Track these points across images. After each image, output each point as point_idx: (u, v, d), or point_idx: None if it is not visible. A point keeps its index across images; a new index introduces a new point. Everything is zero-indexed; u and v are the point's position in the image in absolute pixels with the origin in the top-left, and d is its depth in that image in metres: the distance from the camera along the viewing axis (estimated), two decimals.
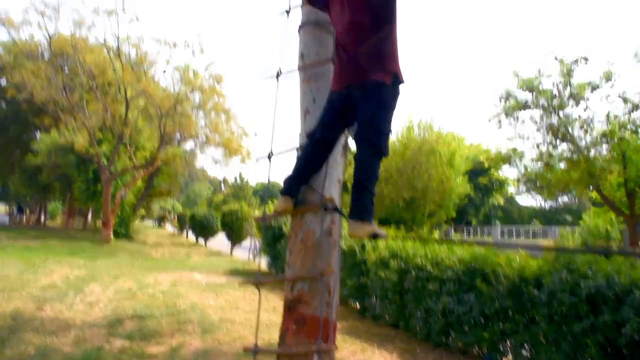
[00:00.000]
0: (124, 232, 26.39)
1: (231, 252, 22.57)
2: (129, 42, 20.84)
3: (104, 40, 20.79)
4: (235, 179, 73.32)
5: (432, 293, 6.73)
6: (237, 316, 7.85)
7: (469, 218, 46.16)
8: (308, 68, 3.75)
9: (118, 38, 20.25)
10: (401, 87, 3.11)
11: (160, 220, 54.86)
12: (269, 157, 3.73)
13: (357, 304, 9.12)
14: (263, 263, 16.07)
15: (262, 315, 8.09)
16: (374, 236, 3.16)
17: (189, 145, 27.52)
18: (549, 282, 5.11)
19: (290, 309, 3.53)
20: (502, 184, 46.30)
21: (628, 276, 4.61)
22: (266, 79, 3.79)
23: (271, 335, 6.75)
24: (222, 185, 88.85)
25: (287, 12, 3.86)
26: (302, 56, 3.86)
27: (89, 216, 37.94)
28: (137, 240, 26.80)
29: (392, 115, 3.09)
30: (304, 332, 3.44)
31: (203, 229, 28.10)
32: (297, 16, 4.03)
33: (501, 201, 50.80)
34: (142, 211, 37.10)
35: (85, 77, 20.84)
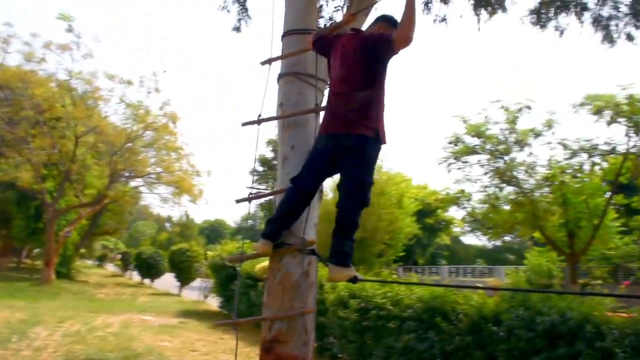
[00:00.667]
0: (65, 272, 25.34)
1: (179, 293, 22.06)
2: (81, 77, 20.53)
3: (55, 75, 20.40)
4: (181, 217, 71.80)
5: (392, 331, 6.85)
6: (196, 358, 7.73)
7: (416, 257, 46.90)
8: (287, 116, 3.91)
9: (70, 73, 20.00)
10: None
11: (101, 260, 52.86)
12: (249, 199, 3.83)
13: (315, 343, 9.11)
14: (214, 303, 15.84)
15: (220, 357, 8.00)
16: (354, 280, 3.31)
17: (137, 183, 26.94)
18: (507, 319, 5.35)
19: (267, 349, 3.60)
20: (448, 224, 47.51)
21: (580, 312, 4.92)
22: (246, 124, 3.90)
23: None
24: (168, 223, 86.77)
25: (269, 61, 4.02)
26: (281, 105, 4.01)
27: (24, 255, 36.23)
28: (78, 280, 25.78)
29: (373, 168, 3.28)
30: None
31: (149, 269, 27.37)
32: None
33: (447, 241, 51.98)
34: (82, 250, 35.80)
35: (33, 111, 20.29)
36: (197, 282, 22.30)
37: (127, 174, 23.80)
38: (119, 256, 42.09)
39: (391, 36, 3.15)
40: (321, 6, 6.36)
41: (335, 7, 6.52)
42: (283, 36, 4.22)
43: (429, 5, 8.67)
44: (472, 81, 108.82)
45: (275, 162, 43.27)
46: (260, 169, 43.48)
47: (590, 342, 4.66)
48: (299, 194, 3.41)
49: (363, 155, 3.20)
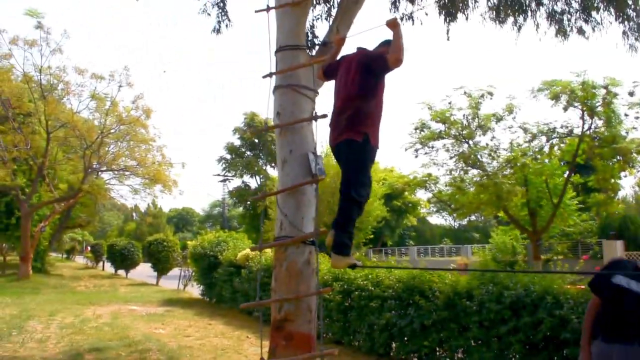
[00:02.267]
0: (39, 266, 25.36)
1: (157, 282, 22.40)
2: (50, 73, 20.49)
3: (23, 71, 20.29)
4: (149, 206, 71.12)
5: (374, 310, 7.52)
6: (192, 343, 8.27)
7: (385, 239, 47.99)
8: (282, 126, 4.47)
9: (39, 68, 19.93)
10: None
11: (69, 252, 52.21)
12: (261, 197, 4.39)
13: None
14: (195, 292, 16.31)
15: (213, 341, 8.55)
16: (353, 267, 3.93)
17: (107, 175, 26.94)
18: (478, 294, 6.06)
19: (278, 327, 4.21)
20: (415, 205, 48.63)
21: (541, 286, 5.66)
22: (255, 132, 4.45)
23: (231, 358, 7.28)
24: (134, 213, 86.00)
25: (270, 75, 4.55)
26: (278, 114, 4.57)
27: None
28: (53, 274, 25.83)
29: (366, 167, 3.77)
30: (292, 346, 4.13)
31: (124, 260, 27.52)
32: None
33: (414, 222, 53.21)
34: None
35: (1, 107, 20.19)
36: (173, 272, 22.69)
37: (100, 167, 23.88)
38: (89, 248, 41.85)
39: (386, 55, 3.71)
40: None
41: (315, 16, 7.05)
42: (277, 52, 4.75)
43: (397, 4, 9.27)
44: (439, 71, 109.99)
45: (242, 149, 43.55)
46: (228, 157, 43.66)
47: (550, 311, 5.38)
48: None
49: (351, 157, 3.71)
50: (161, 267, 22.54)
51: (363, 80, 3.76)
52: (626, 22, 7.94)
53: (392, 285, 7.39)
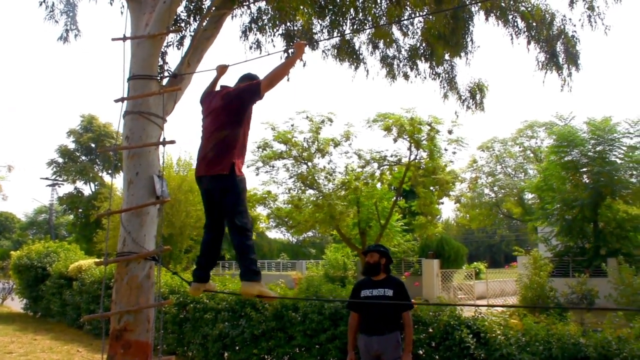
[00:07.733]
0: None
1: None
2: None
3: None
4: None
5: (208, 321, 7.93)
6: (15, 359, 7.96)
7: (223, 253, 48.06)
8: (132, 147, 4.79)
9: None
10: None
11: None
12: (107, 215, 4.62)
13: None
14: (16, 306, 15.27)
15: (40, 356, 8.32)
16: (263, 296, 3.95)
17: None
18: (303, 307, 6.79)
19: (117, 337, 4.50)
20: (254, 220, 49.46)
21: None
22: (102, 151, 4.69)
23: None
24: None
25: (122, 100, 4.83)
26: (127, 138, 4.88)
27: None
28: None
29: (240, 197, 3.97)
30: (130, 354, 4.45)
31: None
32: None
33: (253, 237, 53.98)
34: None
35: None
36: None
37: None
38: None
39: (259, 80, 4.00)
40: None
41: (167, 43, 7.30)
42: (129, 79, 5.05)
43: (247, 33, 9.84)
44: (284, 94, 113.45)
45: (77, 153, 40.92)
46: (61, 160, 40.88)
47: None
48: (207, 236, 4.24)
49: (224, 191, 3.95)
50: None
51: (235, 112, 3.98)
52: (437, 78, 9.30)
53: (226, 298, 7.88)
